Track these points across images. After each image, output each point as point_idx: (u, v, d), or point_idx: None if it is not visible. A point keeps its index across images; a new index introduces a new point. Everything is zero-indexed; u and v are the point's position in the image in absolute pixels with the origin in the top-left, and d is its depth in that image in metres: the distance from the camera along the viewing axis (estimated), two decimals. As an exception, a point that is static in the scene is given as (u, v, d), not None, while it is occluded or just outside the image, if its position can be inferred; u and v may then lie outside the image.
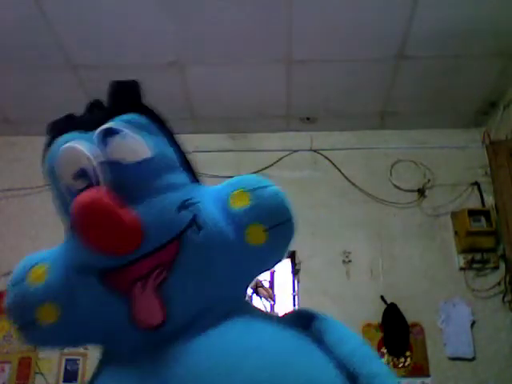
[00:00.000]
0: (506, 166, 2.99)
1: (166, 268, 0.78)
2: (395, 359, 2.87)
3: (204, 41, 2.69)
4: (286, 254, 0.89)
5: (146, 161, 0.83)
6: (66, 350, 2.97)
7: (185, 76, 2.93)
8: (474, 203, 3.18)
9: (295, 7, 2.48)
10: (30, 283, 0.84)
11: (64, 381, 2.91)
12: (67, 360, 2.95)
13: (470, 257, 3.05)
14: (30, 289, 0.84)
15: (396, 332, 2.90)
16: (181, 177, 0.87)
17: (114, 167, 0.80)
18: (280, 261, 0.90)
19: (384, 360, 2.84)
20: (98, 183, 0.79)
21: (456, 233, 3.12)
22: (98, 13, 2.51)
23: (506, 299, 2.97)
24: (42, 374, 2.93)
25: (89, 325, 0.83)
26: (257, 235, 0.84)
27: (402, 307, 2.94)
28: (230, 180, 0.90)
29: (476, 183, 3.22)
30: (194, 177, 0.91)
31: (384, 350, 2.87)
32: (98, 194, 0.74)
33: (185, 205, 0.82)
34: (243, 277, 0.89)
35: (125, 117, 0.86)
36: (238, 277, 0.87)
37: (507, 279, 2.98)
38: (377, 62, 2.86)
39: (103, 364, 0.84)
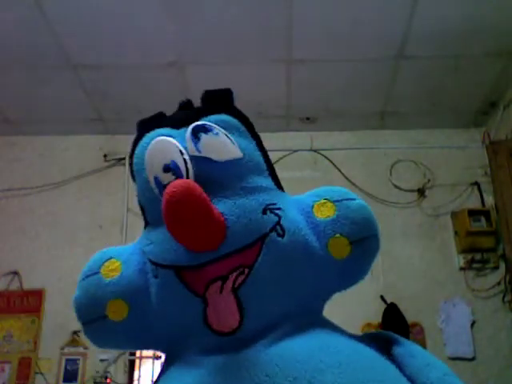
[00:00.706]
0: (506, 166, 2.99)
1: (245, 270, 0.75)
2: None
3: (204, 41, 2.69)
4: (368, 271, 0.86)
5: (235, 160, 0.82)
6: (66, 350, 2.98)
7: (185, 76, 2.93)
8: (473, 203, 3.18)
9: (295, 7, 2.48)
10: (104, 276, 0.83)
11: (64, 381, 2.91)
12: (67, 360, 2.95)
13: (469, 257, 3.05)
14: (104, 281, 0.82)
15: (396, 332, 2.88)
16: (266, 181, 0.86)
17: (205, 163, 0.80)
18: (362, 277, 0.86)
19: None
20: (186, 177, 0.78)
21: (456, 233, 3.12)
22: (98, 13, 2.51)
23: (506, 299, 2.97)
24: (42, 373, 2.93)
25: (160, 324, 0.81)
26: (340, 248, 0.82)
27: (402, 307, 2.94)
28: (315, 190, 0.88)
29: (476, 183, 3.22)
30: (278, 184, 0.90)
31: (384, 350, 2.87)
32: (192, 183, 0.73)
33: (270, 208, 0.80)
34: (322, 290, 0.86)
35: (217, 116, 0.86)
36: (317, 289, 0.84)
37: (507, 279, 2.98)
38: (377, 62, 2.86)
39: (169, 366, 0.80)
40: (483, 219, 3.06)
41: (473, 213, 3.08)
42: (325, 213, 0.83)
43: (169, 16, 2.54)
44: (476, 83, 3.02)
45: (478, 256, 3.04)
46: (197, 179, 0.77)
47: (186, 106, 0.94)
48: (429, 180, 3.27)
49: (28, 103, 3.19)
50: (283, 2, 2.45)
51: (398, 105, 3.21)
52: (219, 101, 0.91)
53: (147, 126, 0.91)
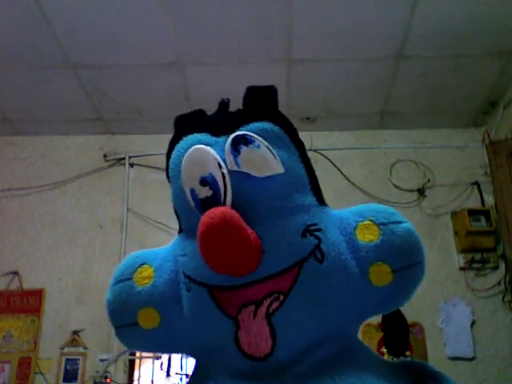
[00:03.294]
0: (506, 165, 2.99)
1: (280, 296, 0.72)
2: (395, 359, 2.86)
3: (204, 41, 2.69)
4: (411, 298, 0.81)
5: (276, 176, 0.77)
6: (65, 350, 2.98)
7: (185, 76, 2.93)
8: (473, 203, 3.18)
9: (295, 7, 2.48)
10: (137, 283, 0.81)
11: (64, 381, 2.91)
12: (67, 360, 2.95)
13: (469, 256, 3.05)
14: (137, 289, 0.80)
15: (396, 332, 2.89)
16: (308, 198, 0.80)
17: (244, 178, 0.75)
18: (403, 304, 0.82)
19: (384, 360, 2.83)
20: (224, 192, 0.74)
21: (456, 233, 3.12)
22: (97, 13, 2.51)
23: (505, 299, 2.97)
24: (41, 373, 2.93)
25: (190, 336, 0.79)
26: (381, 275, 0.76)
27: (402, 307, 2.93)
28: (359, 207, 0.83)
29: (476, 183, 3.22)
30: (321, 198, 0.83)
31: (384, 350, 2.86)
32: (229, 213, 0.69)
33: (309, 229, 0.76)
34: (359, 315, 0.81)
35: (259, 124, 0.80)
36: (354, 314, 0.80)
37: (507, 279, 2.98)
38: (377, 62, 2.86)
39: (197, 379, 0.80)
40: (483, 219, 3.06)
41: (473, 212, 3.07)
42: (368, 236, 0.78)
43: (169, 16, 2.53)
44: (476, 83, 3.02)
45: (477, 256, 3.04)
46: (234, 195, 0.74)
47: (225, 106, 0.88)
48: (429, 180, 3.27)
49: (28, 103, 3.19)
50: (283, 1, 2.45)
51: (398, 105, 3.21)
52: (262, 101, 0.84)
53: (185, 125, 0.86)
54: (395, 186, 3.28)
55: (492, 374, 2.85)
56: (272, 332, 0.72)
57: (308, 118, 3.33)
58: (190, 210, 0.77)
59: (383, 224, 0.78)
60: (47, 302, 3.07)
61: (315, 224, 0.77)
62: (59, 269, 3.14)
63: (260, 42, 2.71)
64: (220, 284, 0.74)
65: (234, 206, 0.74)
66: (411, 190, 3.26)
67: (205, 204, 0.74)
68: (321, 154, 3.31)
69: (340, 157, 3.32)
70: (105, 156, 3.38)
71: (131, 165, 3.33)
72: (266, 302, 0.72)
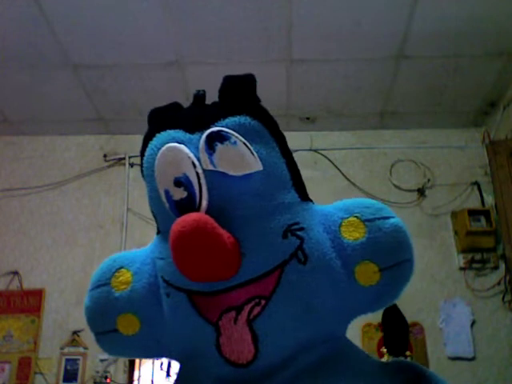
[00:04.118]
0: (506, 165, 3.00)
1: (262, 301, 0.69)
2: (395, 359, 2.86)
3: (204, 40, 2.69)
4: (399, 296, 0.77)
5: (255, 174, 0.72)
6: (66, 350, 2.97)
7: (184, 75, 2.93)
8: (473, 203, 3.18)
9: (295, 7, 2.48)
10: (114, 288, 0.78)
11: (64, 381, 2.91)
12: (67, 360, 2.95)
13: (469, 256, 3.05)
14: (115, 294, 0.77)
15: (396, 332, 2.89)
16: (290, 195, 0.77)
17: (220, 177, 0.71)
18: (392, 302, 0.78)
19: (384, 360, 2.83)
20: (200, 194, 0.70)
21: (456, 232, 3.12)
22: (97, 12, 2.51)
23: (505, 299, 2.97)
24: (41, 373, 2.93)
25: (172, 342, 0.77)
26: (368, 275, 0.73)
27: (402, 307, 2.93)
28: (345, 202, 0.79)
29: (476, 183, 3.22)
30: (304, 194, 0.80)
31: (384, 350, 2.87)
32: (202, 220, 0.65)
33: (291, 229, 0.72)
34: (346, 316, 0.78)
35: (236, 119, 0.76)
36: (341, 316, 0.76)
37: (507, 279, 2.98)
38: (377, 62, 2.86)
39: None
40: (483, 219, 3.06)
41: (473, 212, 3.07)
42: (354, 234, 0.74)
43: (169, 16, 2.53)
44: (476, 83, 3.01)
45: (477, 256, 3.04)
46: (211, 196, 0.71)
47: (201, 99, 0.84)
48: (429, 180, 3.27)
49: (28, 103, 3.19)
50: (283, 1, 2.45)
51: (398, 105, 3.21)
52: (240, 93, 0.81)
53: (158, 120, 0.82)
54: (395, 185, 3.28)
55: (492, 374, 2.85)
56: (254, 338, 0.69)
57: (308, 118, 3.33)
58: (166, 211, 0.74)
59: (369, 220, 0.75)
60: (47, 302, 3.07)
61: (297, 223, 0.73)
62: (59, 269, 3.14)
63: (260, 42, 2.71)
64: (199, 289, 0.71)
65: (210, 207, 0.70)
66: (411, 190, 3.26)
67: (180, 206, 0.71)
68: (321, 154, 3.31)
69: (340, 157, 3.32)
70: (105, 156, 3.38)
71: (131, 165, 3.33)
72: (247, 308, 0.69)
